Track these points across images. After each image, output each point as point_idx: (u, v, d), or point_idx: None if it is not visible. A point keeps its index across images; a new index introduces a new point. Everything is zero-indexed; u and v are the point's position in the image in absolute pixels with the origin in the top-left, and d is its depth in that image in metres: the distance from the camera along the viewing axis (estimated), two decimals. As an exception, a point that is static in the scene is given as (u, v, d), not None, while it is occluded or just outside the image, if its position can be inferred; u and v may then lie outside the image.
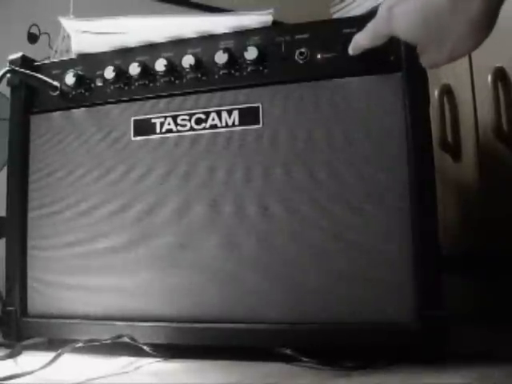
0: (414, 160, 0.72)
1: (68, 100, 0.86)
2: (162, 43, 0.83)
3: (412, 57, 0.72)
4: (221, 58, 0.78)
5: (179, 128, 0.81)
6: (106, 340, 0.75)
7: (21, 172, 0.87)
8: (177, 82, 0.82)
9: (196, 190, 0.79)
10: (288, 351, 0.71)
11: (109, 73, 0.83)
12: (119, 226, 0.81)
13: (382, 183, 0.73)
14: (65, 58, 0.90)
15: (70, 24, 0.89)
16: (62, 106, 0.87)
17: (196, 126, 0.80)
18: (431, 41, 0.62)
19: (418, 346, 0.69)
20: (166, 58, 0.81)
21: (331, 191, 0.74)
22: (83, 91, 0.85)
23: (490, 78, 1.01)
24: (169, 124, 0.81)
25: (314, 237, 0.74)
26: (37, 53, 1.10)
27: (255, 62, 0.78)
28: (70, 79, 0.85)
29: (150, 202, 0.80)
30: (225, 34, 0.81)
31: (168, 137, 0.81)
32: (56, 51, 1.20)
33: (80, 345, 0.74)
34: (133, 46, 0.85)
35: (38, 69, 0.88)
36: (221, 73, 0.80)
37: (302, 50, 0.77)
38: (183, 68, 0.80)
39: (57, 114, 0.87)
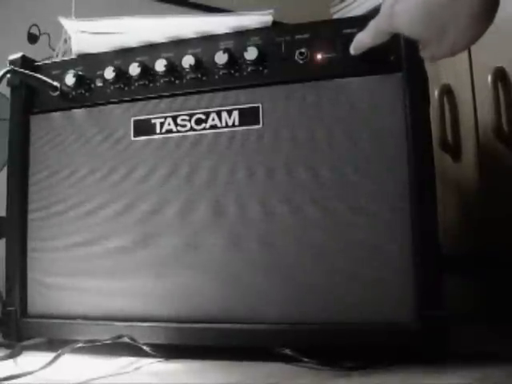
0: (414, 160, 0.72)
1: (68, 100, 0.86)
2: (162, 43, 0.83)
3: (412, 57, 0.72)
4: (221, 58, 0.78)
5: (179, 128, 0.81)
6: (106, 340, 0.75)
7: (21, 172, 0.87)
8: (177, 82, 0.82)
9: (198, 191, 0.79)
10: (288, 351, 0.71)
11: (109, 73, 0.83)
12: (121, 228, 0.81)
13: (382, 183, 0.73)
14: (65, 58, 0.90)
15: (70, 24, 0.89)
16: (62, 107, 0.87)
17: (196, 127, 0.80)
18: (432, 35, 0.63)
19: (418, 346, 0.69)
20: (166, 59, 0.81)
21: (332, 191, 0.74)
22: (83, 91, 0.85)
23: (490, 78, 1.01)
24: (169, 124, 0.81)
25: (315, 236, 0.74)
26: (37, 53, 1.10)
27: (255, 62, 0.78)
28: (70, 79, 0.85)
29: (152, 203, 0.80)
30: (225, 34, 0.81)
31: (168, 137, 0.81)
32: (57, 54, 1.20)
33: (80, 345, 0.74)
34: (133, 46, 0.85)
35: (38, 69, 0.88)
36: (221, 73, 0.80)
37: (302, 50, 0.77)
38: (183, 68, 0.80)
39: (57, 114, 0.87)
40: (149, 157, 0.81)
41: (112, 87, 0.84)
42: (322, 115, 0.76)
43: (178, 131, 0.81)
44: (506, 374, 0.64)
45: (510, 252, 0.96)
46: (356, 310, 0.72)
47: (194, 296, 0.77)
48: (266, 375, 0.66)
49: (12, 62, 0.87)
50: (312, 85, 0.77)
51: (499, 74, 1.01)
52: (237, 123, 0.79)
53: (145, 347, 0.76)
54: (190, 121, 0.81)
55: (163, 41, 0.84)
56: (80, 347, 0.73)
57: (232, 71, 0.79)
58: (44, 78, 0.86)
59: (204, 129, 0.80)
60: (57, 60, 0.92)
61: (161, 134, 0.81)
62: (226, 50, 0.78)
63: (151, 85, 0.83)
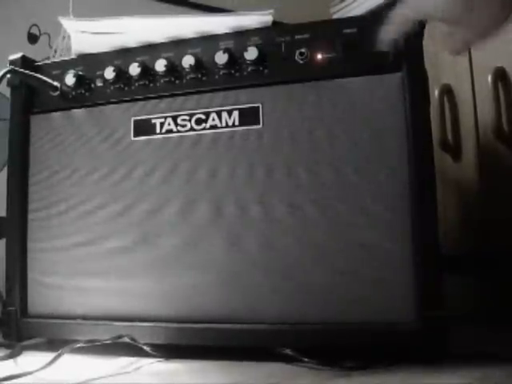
0: (414, 160, 0.72)
1: (68, 100, 0.86)
2: (162, 43, 0.83)
3: (412, 57, 0.72)
4: (221, 58, 0.78)
5: (179, 128, 0.81)
6: (107, 340, 0.75)
7: (21, 172, 0.87)
8: (177, 82, 0.82)
9: (198, 191, 0.79)
10: (288, 351, 0.71)
11: (109, 73, 0.83)
12: (121, 228, 0.81)
13: (382, 183, 0.73)
14: (65, 58, 0.90)
15: (70, 24, 0.89)
16: (62, 107, 0.87)
17: (196, 127, 0.80)
18: (461, 20, 0.61)
19: (418, 346, 0.69)
20: (166, 59, 0.81)
21: (332, 191, 0.74)
22: (83, 91, 0.85)
23: (490, 78, 1.01)
24: (169, 124, 0.81)
25: (315, 236, 0.74)
26: (37, 53, 1.10)
27: (255, 62, 0.78)
28: (70, 79, 0.85)
29: (152, 203, 0.80)
30: (225, 34, 0.81)
31: (168, 137, 0.81)
32: (56, 51, 1.20)
33: (80, 345, 0.74)
34: (133, 46, 0.85)
35: (38, 69, 0.88)
36: (221, 73, 0.80)
37: (302, 50, 0.77)
38: (183, 68, 0.80)
39: (57, 114, 0.87)
40: (149, 157, 0.81)
41: (112, 87, 0.84)
42: (322, 115, 0.76)
43: (178, 131, 0.81)
44: (506, 374, 0.64)
45: (509, 252, 0.96)
46: (356, 310, 0.72)
47: (194, 296, 0.77)
48: (267, 375, 0.66)
49: (12, 62, 0.87)
50: (312, 85, 0.77)
51: (499, 74, 1.01)
52: (237, 123, 0.79)
53: (145, 347, 0.76)
54: (190, 121, 0.81)
55: (163, 41, 0.84)
56: (80, 347, 0.73)
57: (232, 71, 0.79)
58: (44, 78, 0.86)
59: (204, 129, 0.80)
60: (56, 60, 0.92)
61: (161, 134, 0.81)
62: (226, 50, 0.78)
63: (151, 85, 0.83)
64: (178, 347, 0.76)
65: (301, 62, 0.77)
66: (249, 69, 0.79)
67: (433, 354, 0.68)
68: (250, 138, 0.78)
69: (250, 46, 0.78)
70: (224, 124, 0.79)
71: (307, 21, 0.79)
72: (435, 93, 1.10)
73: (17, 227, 0.86)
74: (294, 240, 0.75)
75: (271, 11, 0.80)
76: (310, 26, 0.78)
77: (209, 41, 0.81)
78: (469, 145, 1.09)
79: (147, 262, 0.80)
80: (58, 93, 0.86)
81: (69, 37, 0.92)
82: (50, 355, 0.69)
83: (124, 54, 0.84)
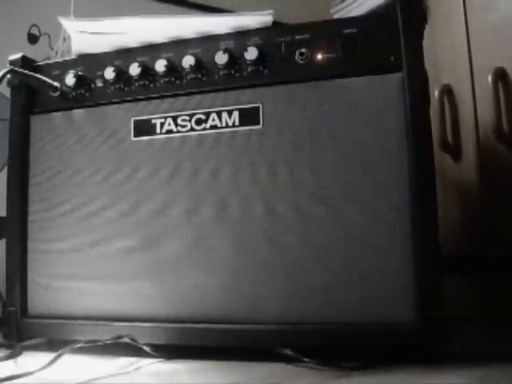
0: (414, 159, 0.72)
1: (68, 100, 0.86)
2: (162, 44, 0.83)
3: (413, 57, 0.72)
4: (221, 58, 0.78)
5: (179, 128, 0.81)
6: (107, 340, 0.75)
7: (21, 173, 0.87)
8: (177, 82, 0.82)
9: (201, 192, 0.79)
10: (289, 352, 0.71)
11: (109, 73, 0.83)
12: (123, 229, 0.81)
13: (382, 182, 0.73)
14: (65, 59, 0.90)
15: (70, 24, 0.89)
16: (63, 107, 0.87)
17: (196, 127, 0.80)
18: None
19: (418, 346, 0.69)
20: (166, 59, 0.81)
21: (332, 190, 0.74)
22: (83, 92, 0.85)
23: (490, 78, 1.01)
24: (169, 124, 0.81)
25: (316, 237, 0.74)
26: (37, 53, 1.10)
27: (255, 62, 0.78)
28: (70, 80, 0.85)
29: (155, 205, 0.80)
30: (225, 34, 0.81)
31: (168, 137, 0.81)
32: (57, 52, 1.20)
33: (80, 345, 0.74)
34: (133, 46, 0.85)
35: (38, 69, 0.88)
36: (221, 73, 0.80)
37: (303, 50, 0.77)
38: (183, 68, 0.80)
39: (57, 114, 0.87)
40: (150, 157, 0.81)
41: (112, 87, 0.84)
42: (323, 115, 0.76)
43: (179, 131, 0.81)
44: (505, 374, 0.64)
45: (510, 252, 0.96)
46: (356, 310, 0.72)
47: (194, 296, 0.77)
48: (267, 375, 0.66)
49: (12, 63, 0.87)
50: (312, 85, 0.77)
51: (499, 74, 1.01)
52: (237, 123, 0.79)
53: (145, 347, 0.76)
54: (190, 121, 0.81)
55: (163, 41, 0.84)
56: (80, 347, 0.73)
57: (232, 71, 0.79)
58: (44, 79, 0.86)
59: (204, 129, 0.80)
60: (56, 60, 0.92)
61: (161, 134, 0.81)
62: (226, 50, 0.78)
63: (151, 85, 0.83)
64: (178, 347, 0.76)
65: (301, 62, 0.77)
66: (249, 69, 0.79)
67: (433, 354, 0.68)
68: (250, 138, 0.78)
69: (250, 46, 0.78)
70: (224, 124, 0.79)
71: (307, 21, 0.79)
72: (435, 93, 1.10)
73: (17, 228, 0.86)
74: (295, 239, 0.75)
75: (271, 11, 0.80)
76: (310, 26, 0.78)
77: (209, 41, 0.81)
78: (469, 145, 1.09)
79: (148, 262, 0.79)
80: (58, 93, 0.86)
81: (69, 38, 0.92)
82: (50, 355, 0.69)
83: (124, 55, 0.84)
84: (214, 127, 0.79)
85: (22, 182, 0.86)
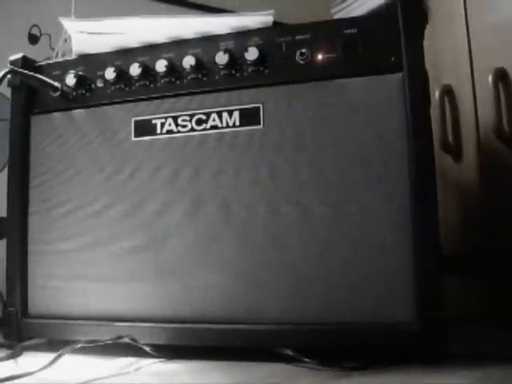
0: (415, 159, 0.72)
1: (69, 101, 0.86)
2: (162, 44, 0.83)
3: (413, 57, 0.72)
4: (221, 58, 0.78)
5: (180, 129, 0.81)
6: (107, 341, 0.75)
7: (21, 173, 0.87)
8: (177, 82, 0.82)
9: (202, 192, 0.79)
10: (289, 352, 0.71)
11: (109, 73, 0.83)
12: (124, 230, 0.81)
13: (383, 182, 0.73)
14: (65, 59, 0.91)
15: (70, 24, 0.89)
16: (63, 107, 0.87)
17: (197, 127, 0.80)
18: None
19: (418, 346, 0.69)
20: (167, 59, 0.81)
21: (333, 191, 0.74)
22: (84, 92, 0.85)
23: (490, 78, 1.01)
24: (169, 125, 0.81)
25: (319, 235, 0.74)
26: (37, 53, 1.10)
27: (256, 62, 0.78)
28: (70, 80, 0.85)
29: (156, 205, 0.80)
30: (225, 34, 0.81)
31: (169, 137, 0.81)
32: (57, 52, 1.20)
33: (81, 345, 0.74)
34: (133, 46, 0.85)
35: (38, 69, 0.88)
36: (221, 73, 0.80)
37: (303, 50, 0.77)
38: (184, 69, 0.80)
39: (57, 114, 0.87)
40: (151, 157, 0.81)
41: (112, 88, 0.84)
42: (323, 115, 0.76)
43: (179, 132, 0.81)
44: (506, 374, 0.64)
45: (510, 252, 0.96)
46: (357, 310, 0.72)
47: (195, 296, 0.77)
48: (267, 375, 0.66)
49: (13, 63, 0.87)
50: (313, 85, 0.77)
51: (500, 75, 1.01)
52: (237, 123, 0.79)
53: (145, 348, 0.76)
54: (190, 121, 0.81)
55: (164, 41, 0.84)
56: (81, 347, 0.73)
57: (233, 71, 0.79)
58: (44, 79, 0.86)
59: (205, 129, 0.80)
60: (57, 60, 0.92)
61: (162, 134, 0.81)
62: (226, 51, 0.78)
63: (152, 85, 0.83)
64: (179, 347, 0.76)
65: (301, 62, 0.77)
66: (249, 69, 0.79)
67: (433, 354, 0.68)
68: (251, 138, 0.78)
69: (250, 46, 0.78)
70: (225, 124, 0.79)
71: (308, 21, 0.79)
72: (436, 93, 1.10)
73: (17, 228, 0.86)
74: (298, 239, 0.75)
75: (272, 11, 0.80)
76: (311, 27, 0.78)
77: (209, 41, 0.81)
78: (469, 145, 1.09)
79: (149, 262, 0.80)
80: (58, 93, 0.86)
81: (70, 38, 0.92)
82: (50, 355, 0.69)
83: (124, 55, 0.84)
84: (214, 127, 0.79)
85: (22, 183, 0.86)
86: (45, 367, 0.67)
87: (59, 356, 0.69)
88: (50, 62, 0.92)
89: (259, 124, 0.78)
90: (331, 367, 0.67)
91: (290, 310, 0.74)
